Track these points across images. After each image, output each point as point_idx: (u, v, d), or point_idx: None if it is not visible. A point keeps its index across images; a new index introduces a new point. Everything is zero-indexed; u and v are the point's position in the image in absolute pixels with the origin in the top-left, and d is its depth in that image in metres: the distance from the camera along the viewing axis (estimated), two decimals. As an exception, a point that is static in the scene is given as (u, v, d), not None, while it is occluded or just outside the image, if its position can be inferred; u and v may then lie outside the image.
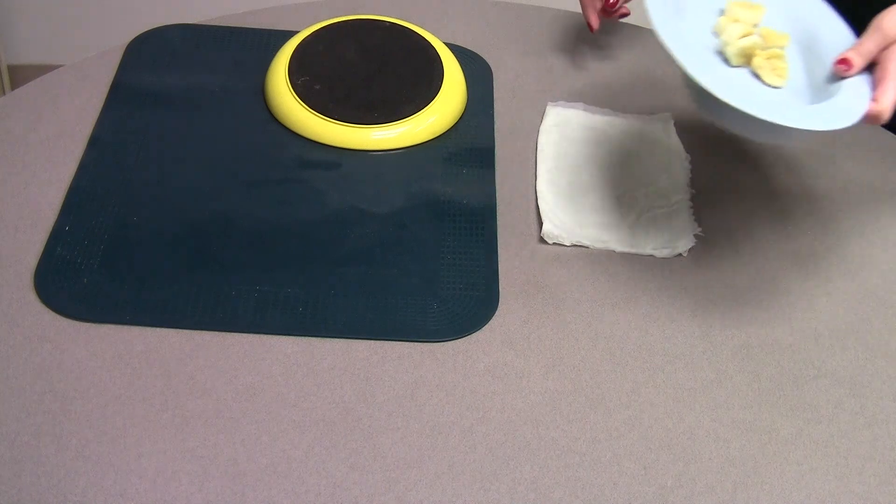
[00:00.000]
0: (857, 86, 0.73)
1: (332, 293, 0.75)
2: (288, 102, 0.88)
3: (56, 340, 0.71)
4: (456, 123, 0.91)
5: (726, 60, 0.76)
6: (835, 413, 0.72)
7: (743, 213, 0.85)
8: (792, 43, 0.79)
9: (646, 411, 0.71)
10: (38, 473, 0.64)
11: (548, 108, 0.92)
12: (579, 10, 1.05)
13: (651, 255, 0.81)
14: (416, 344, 0.73)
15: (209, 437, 0.66)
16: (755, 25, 0.79)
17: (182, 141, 0.86)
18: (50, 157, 0.84)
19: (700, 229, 0.83)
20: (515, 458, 0.67)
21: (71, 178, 0.82)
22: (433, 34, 0.96)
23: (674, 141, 0.91)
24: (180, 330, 0.72)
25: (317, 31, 0.94)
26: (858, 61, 0.74)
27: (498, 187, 0.85)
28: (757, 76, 0.76)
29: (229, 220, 0.80)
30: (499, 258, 0.80)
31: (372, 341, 0.73)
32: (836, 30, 0.78)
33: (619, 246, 0.81)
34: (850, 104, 0.71)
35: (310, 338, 0.73)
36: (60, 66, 0.93)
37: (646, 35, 1.02)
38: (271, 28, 0.98)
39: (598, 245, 0.81)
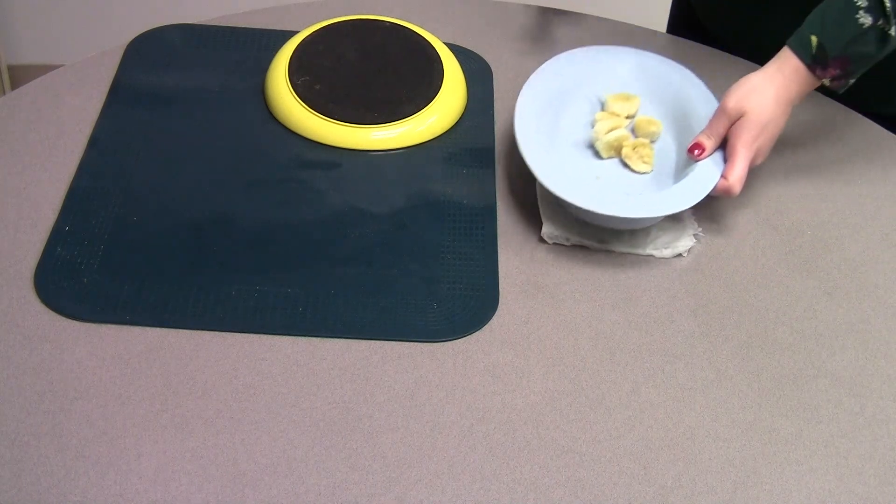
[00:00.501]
0: (712, 161, 0.81)
1: (332, 293, 0.75)
2: (288, 102, 0.88)
3: (56, 340, 0.71)
4: (456, 123, 0.91)
5: (598, 153, 0.86)
6: (835, 413, 0.72)
7: (743, 213, 0.85)
8: (668, 126, 0.87)
9: (646, 411, 0.71)
10: (38, 473, 0.64)
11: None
12: (579, 10, 1.06)
13: (651, 255, 0.81)
14: (416, 344, 0.73)
15: (209, 437, 0.66)
16: (630, 117, 0.88)
17: (182, 141, 0.86)
18: (50, 157, 0.84)
19: (700, 229, 0.83)
20: (515, 458, 0.67)
21: (71, 178, 0.82)
22: (433, 34, 0.96)
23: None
24: (180, 330, 0.72)
25: (317, 31, 0.94)
26: (709, 143, 0.82)
27: (498, 187, 0.85)
28: (626, 165, 0.84)
29: (229, 220, 0.80)
30: (499, 258, 0.80)
31: (372, 341, 0.73)
32: (707, 105, 0.86)
33: (619, 246, 0.81)
34: (705, 178, 0.79)
35: (310, 338, 0.73)
36: (60, 66, 0.93)
37: (652, 39, 1.02)
38: (271, 28, 0.98)
39: (598, 245, 0.81)
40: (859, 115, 0.95)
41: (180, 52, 0.95)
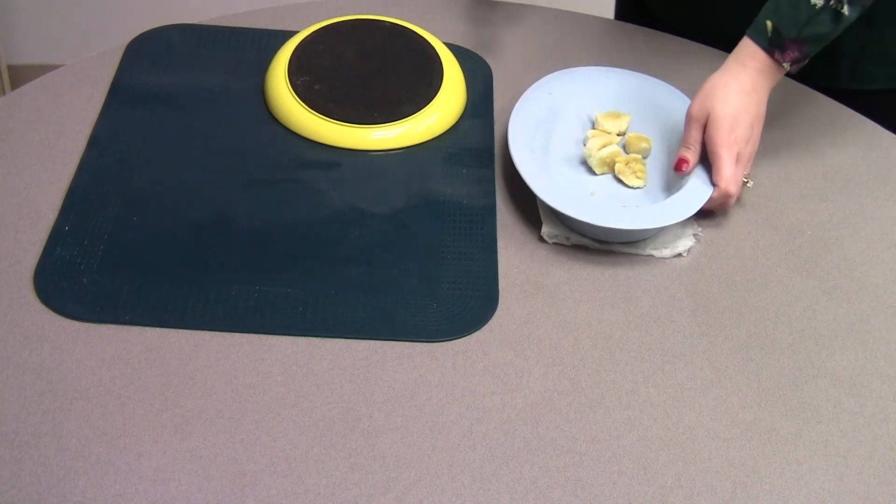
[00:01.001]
0: (704, 174, 0.82)
1: (332, 293, 0.75)
2: (288, 102, 0.88)
3: (56, 340, 0.71)
4: (456, 123, 0.91)
5: (591, 170, 0.87)
6: (835, 413, 0.72)
7: (743, 213, 0.85)
8: (658, 142, 0.89)
9: (646, 411, 0.71)
10: (38, 473, 0.64)
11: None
12: (579, 10, 1.06)
13: (651, 255, 0.81)
14: (416, 344, 0.73)
15: (209, 437, 0.66)
16: (620, 134, 0.89)
17: (182, 141, 0.86)
18: (50, 157, 0.84)
19: (700, 229, 0.83)
20: (515, 458, 0.67)
21: (71, 178, 0.82)
22: (433, 34, 0.96)
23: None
24: (180, 330, 0.72)
25: (317, 31, 0.94)
26: (691, 154, 0.83)
27: (498, 187, 0.85)
28: (619, 180, 0.86)
29: (229, 220, 0.80)
30: (499, 258, 0.80)
31: (372, 341, 0.73)
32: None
33: (618, 246, 0.81)
34: (697, 190, 0.81)
35: (310, 338, 0.73)
36: (60, 66, 0.93)
37: (652, 39, 1.02)
38: (271, 28, 0.98)
39: (598, 245, 0.81)
40: (859, 115, 0.95)
41: (180, 52, 0.95)
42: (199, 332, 0.72)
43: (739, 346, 0.75)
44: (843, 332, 0.77)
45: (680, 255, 0.81)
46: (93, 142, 0.86)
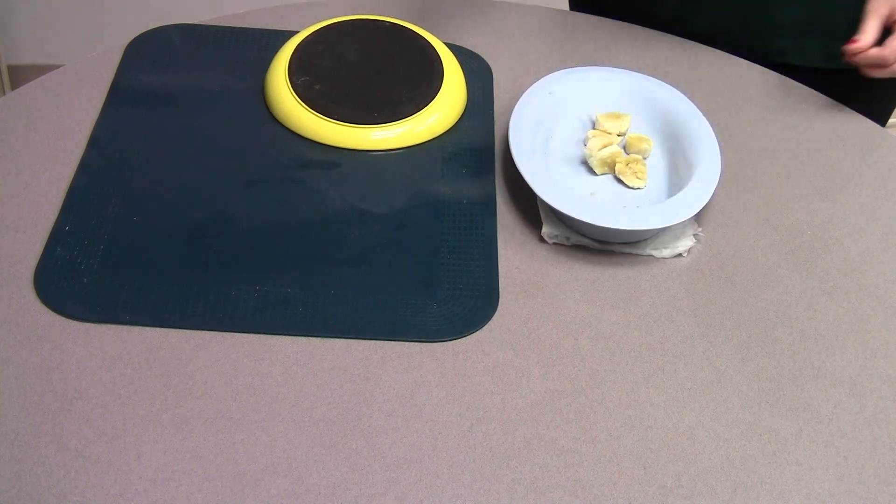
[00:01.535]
0: (706, 175, 0.82)
1: (332, 293, 0.76)
2: (288, 102, 0.88)
3: (56, 340, 0.71)
4: (456, 123, 0.91)
5: (592, 170, 0.87)
6: (835, 413, 0.72)
7: (743, 213, 0.85)
8: (658, 143, 0.89)
9: (646, 411, 0.71)
10: (38, 473, 0.64)
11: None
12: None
13: (651, 255, 0.81)
14: (416, 344, 0.73)
15: (209, 437, 0.66)
16: (621, 134, 0.89)
17: (182, 141, 0.86)
18: (50, 157, 0.84)
19: (700, 229, 0.83)
20: (515, 458, 0.67)
21: (71, 178, 0.82)
22: (433, 34, 0.96)
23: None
24: (180, 330, 0.72)
25: (317, 31, 0.94)
26: (864, 37, 0.85)
27: (498, 187, 0.85)
28: (620, 181, 0.86)
29: (229, 220, 0.80)
30: (499, 258, 0.80)
31: (372, 341, 0.73)
32: (696, 122, 0.87)
33: (618, 246, 0.81)
34: (697, 190, 0.81)
35: (310, 338, 0.73)
36: (60, 66, 0.93)
37: (649, 37, 1.02)
38: (271, 28, 0.98)
39: (598, 245, 0.81)
40: (859, 115, 0.95)
41: (180, 52, 0.95)
42: (199, 332, 0.72)
43: (739, 346, 0.75)
44: (843, 332, 0.77)
45: (680, 255, 0.81)
46: (93, 142, 0.86)
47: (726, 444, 0.69)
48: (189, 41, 0.96)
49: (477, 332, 0.74)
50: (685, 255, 0.81)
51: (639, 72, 0.93)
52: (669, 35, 1.03)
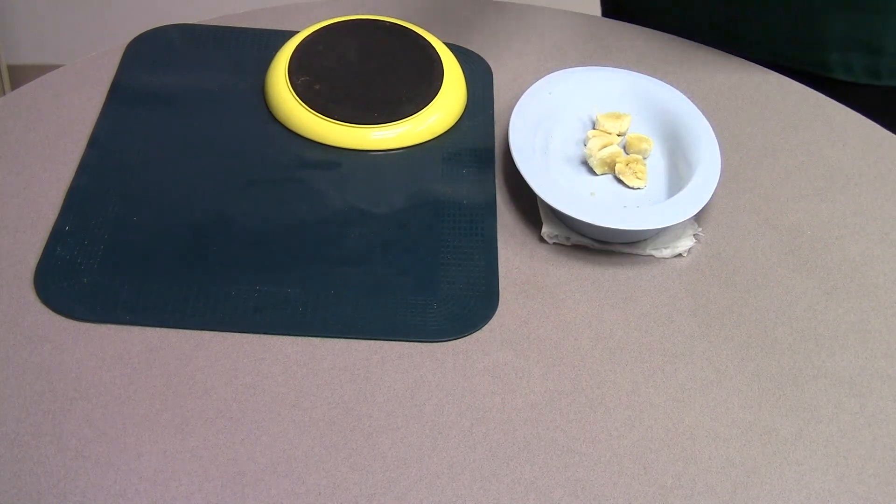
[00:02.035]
0: (706, 175, 0.82)
1: (332, 293, 0.76)
2: (288, 102, 0.88)
3: (56, 340, 0.71)
4: (456, 123, 0.91)
5: (592, 170, 0.87)
6: (835, 413, 0.72)
7: (743, 213, 0.85)
8: (659, 143, 0.89)
9: (646, 411, 0.71)
10: (38, 473, 0.64)
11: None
12: (580, 9, 1.06)
13: (651, 255, 0.81)
14: (416, 344, 0.73)
15: (209, 437, 0.66)
16: (621, 134, 0.89)
17: (182, 141, 0.86)
18: (50, 157, 0.84)
19: (700, 229, 0.83)
20: (515, 458, 0.67)
21: (71, 178, 0.82)
22: (433, 34, 0.96)
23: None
24: (180, 330, 0.72)
25: (317, 31, 0.94)
26: None
27: (498, 187, 0.85)
28: (619, 181, 0.86)
29: (229, 220, 0.80)
30: (499, 258, 0.80)
31: (372, 341, 0.73)
32: (696, 122, 0.87)
33: (618, 246, 0.81)
34: (697, 191, 0.81)
35: (310, 338, 0.73)
36: (60, 66, 0.93)
37: (649, 37, 1.02)
38: (271, 28, 0.98)
39: (598, 245, 0.81)
40: (859, 115, 0.95)
41: (180, 52, 0.95)
42: (199, 332, 0.72)
43: (739, 346, 0.75)
44: (843, 332, 0.77)
45: (680, 255, 0.81)
46: (93, 142, 0.86)
47: (726, 444, 0.69)
48: (189, 41, 0.96)
49: (477, 332, 0.74)
50: (685, 255, 0.81)
51: (639, 72, 0.93)
52: (669, 35, 1.03)
